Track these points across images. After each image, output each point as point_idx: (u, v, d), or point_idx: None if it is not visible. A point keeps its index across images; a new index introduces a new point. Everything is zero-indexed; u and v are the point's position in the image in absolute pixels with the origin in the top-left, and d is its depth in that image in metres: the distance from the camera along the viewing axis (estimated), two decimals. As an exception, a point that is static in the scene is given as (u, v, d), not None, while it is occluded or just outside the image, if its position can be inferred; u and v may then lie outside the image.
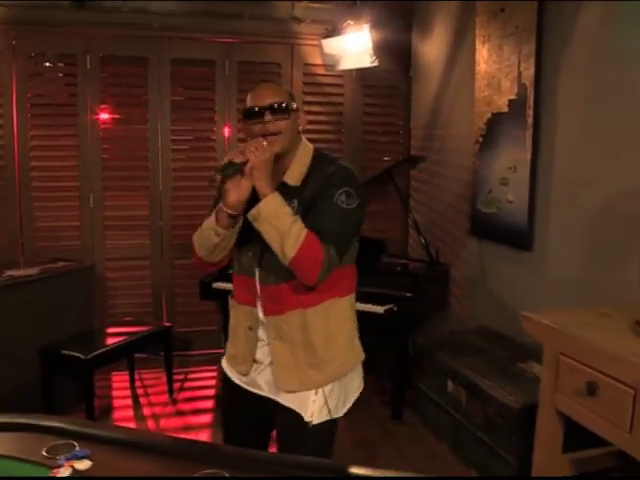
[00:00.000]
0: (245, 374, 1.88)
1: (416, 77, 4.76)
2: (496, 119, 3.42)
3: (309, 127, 4.65)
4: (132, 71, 4.50)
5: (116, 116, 4.51)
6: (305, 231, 1.61)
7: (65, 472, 1.18)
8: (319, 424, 1.78)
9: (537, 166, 3.12)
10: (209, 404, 3.93)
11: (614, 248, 2.69)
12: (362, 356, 1.92)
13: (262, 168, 1.62)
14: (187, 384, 4.25)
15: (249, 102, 1.76)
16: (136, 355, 4.10)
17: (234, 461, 1.26)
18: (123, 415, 3.77)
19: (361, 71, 4.63)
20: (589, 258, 2.84)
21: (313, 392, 1.79)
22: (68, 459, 1.22)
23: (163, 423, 3.64)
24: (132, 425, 3.61)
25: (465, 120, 3.85)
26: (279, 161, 1.74)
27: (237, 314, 1.90)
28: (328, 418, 1.81)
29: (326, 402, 1.80)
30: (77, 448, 1.28)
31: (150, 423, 3.65)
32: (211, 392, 4.15)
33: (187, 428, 3.59)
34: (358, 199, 1.70)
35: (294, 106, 1.78)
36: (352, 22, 4.29)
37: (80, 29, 4.35)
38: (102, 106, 4.44)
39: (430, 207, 4.53)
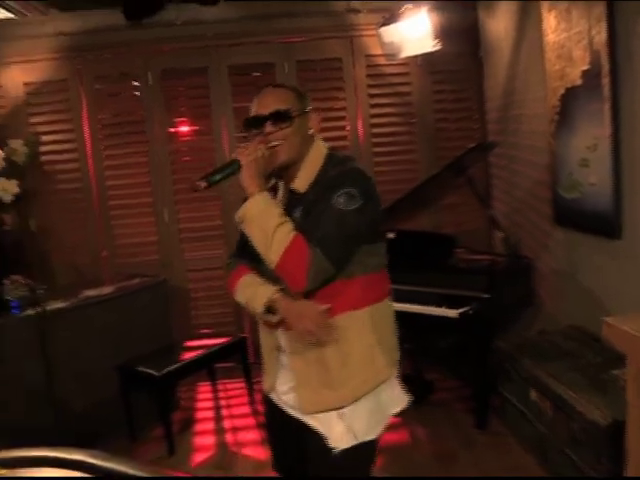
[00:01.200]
0: (269, 392, 1.85)
1: (486, 57, 4.42)
2: (570, 94, 3.07)
3: (376, 121, 4.53)
4: (193, 82, 4.52)
5: (182, 129, 4.54)
6: (292, 234, 1.54)
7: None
8: (346, 450, 1.64)
9: (619, 142, 2.74)
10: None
11: None
12: (389, 373, 1.74)
13: (250, 167, 1.58)
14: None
15: (251, 110, 1.71)
16: (221, 365, 4.10)
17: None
18: (204, 428, 3.77)
19: (427, 57, 4.34)
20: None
21: (335, 415, 1.66)
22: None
23: (241, 437, 3.60)
24: (211, 439, 3.61)
25: (538, 97, 3.50)
26: (289, 169, 1.68)
27: (264, 335, 1.83)
28: (355, 443, 1.65)
29: (350, 426, 1.66)
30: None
31: (229, 437, 3.62)
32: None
33: (265, 441, 3.52)
34: (362, 200, 1.58)
35: (300, 111, 1.67)
36: (410, 6, 4.04)
37: (138, 47, 4.42)
38: (168, 120, 4.48)
39: (511, 195, 4.20)
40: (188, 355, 3.60)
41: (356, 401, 1.66)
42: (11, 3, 4.76)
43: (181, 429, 3.71)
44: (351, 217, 1.56)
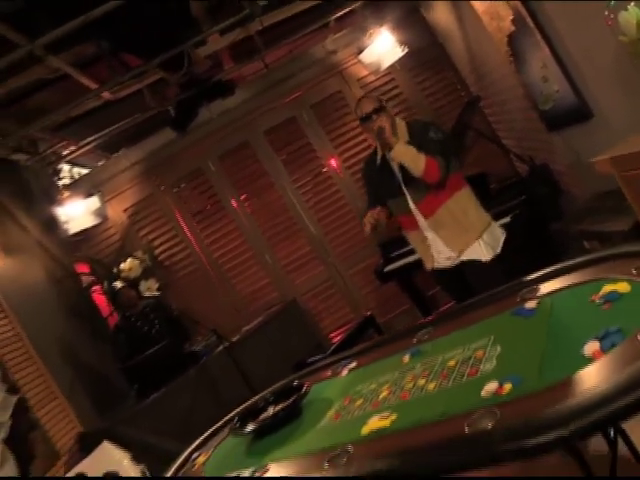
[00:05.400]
0: (430, 268, 3.20)
1: (444, 40, 5.62)
2: (512, 38, 4.19)
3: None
4: (243, 155, 5.78)
5: (250, 193, 5.78)
6: (423, 155, 2.92)
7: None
8: (491, 260, 3.05)
9: (558, 54, 3.81)
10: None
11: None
12: (486, 216, 3.16)
13: (386, 136, 2.96)
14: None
15: (360, 112, 3.09)
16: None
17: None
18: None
19: (401, 61, 5.54)
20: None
21: (477, 244, 3.05)
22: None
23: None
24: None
25: (494, 51, 4.65)
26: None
27: (413, 237, 3.25)
28: (493, 254, 3.06)
29: (487, 245, 3.06)
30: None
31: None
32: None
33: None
34: (441, 132, 3.06)
35: (385, 103, 3.08)
36: (372, 31, 5.27)
37: (193, 148, 5.72)
38: (237, 191, 5.73)
39: (512, 130, 5.31)
40: (336, 339, 4.72)
41: (483, 233, 3.05)
42: (83, 161, 6.12)
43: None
44: (443, 140, 3.02)
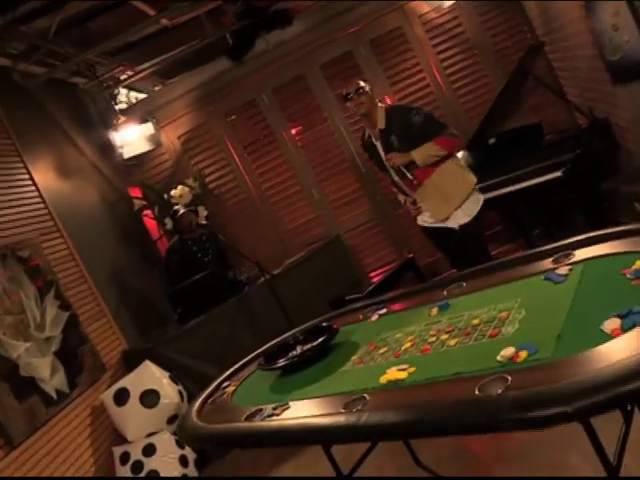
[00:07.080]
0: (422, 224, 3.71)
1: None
2: (587, -17, 3.98)
3: (446, 64, 5.51)
4: (297, 89, 5.73)
5: (302, 127, 5.76)
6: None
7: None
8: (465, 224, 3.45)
9: (631, 1, 3.62)
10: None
11: None
12: (468, 187, 3.45)
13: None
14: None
15: (344, 92, 3.47)
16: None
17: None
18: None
19: (467, -1, 5.32)
20: None
21: (455, 214, 3.45)
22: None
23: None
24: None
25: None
26: (369, 117, 3.44)
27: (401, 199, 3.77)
28: (467, 220, 3.43)
29: (465, 213, 3.43)
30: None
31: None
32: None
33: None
34: (421, 113, 3.38)
35: (366, 89, 3.39)
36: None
37: (248, 79, 5.70)
38: (289, 124, 5.73)
39: (576, 78, 5.07)
40: (376, 279, 4.78)
41: (463, 203, 3.42)
42: (140, 86, 6.18)
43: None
44: (424, 120, 3.37)
